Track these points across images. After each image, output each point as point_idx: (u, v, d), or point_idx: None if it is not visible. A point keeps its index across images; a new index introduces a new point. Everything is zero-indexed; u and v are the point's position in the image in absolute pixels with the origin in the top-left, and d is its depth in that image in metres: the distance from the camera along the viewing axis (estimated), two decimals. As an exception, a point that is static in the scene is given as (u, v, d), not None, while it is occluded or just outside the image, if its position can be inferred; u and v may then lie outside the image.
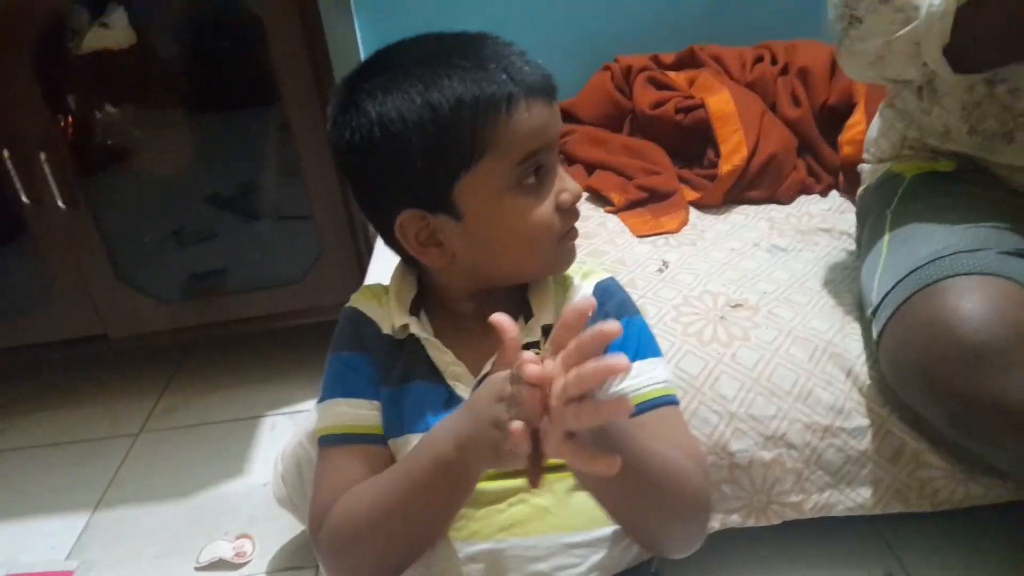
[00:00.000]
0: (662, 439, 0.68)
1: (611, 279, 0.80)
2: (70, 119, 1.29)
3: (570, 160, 1.47)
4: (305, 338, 1.56)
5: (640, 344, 0.75)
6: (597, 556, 0.70)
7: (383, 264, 1.21)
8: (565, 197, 0.70)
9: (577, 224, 0.74)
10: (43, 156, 1.25)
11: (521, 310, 0.74)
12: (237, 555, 1.09)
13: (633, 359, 0.71)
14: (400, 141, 0.66)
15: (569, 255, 0.75)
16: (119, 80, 1.30)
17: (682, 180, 1.39)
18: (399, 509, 0.66)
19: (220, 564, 1.09)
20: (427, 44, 0.70)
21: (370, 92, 0.67)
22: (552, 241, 0.71)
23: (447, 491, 0.64)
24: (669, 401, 0.73)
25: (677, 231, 1.27)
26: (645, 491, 0.64)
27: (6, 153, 1.25)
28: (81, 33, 1.27)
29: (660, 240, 1.24)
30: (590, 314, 0.54)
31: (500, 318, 0.57)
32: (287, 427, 1.37)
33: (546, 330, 0.73)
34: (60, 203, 1.28)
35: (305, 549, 1.09)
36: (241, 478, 1.27)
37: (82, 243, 1.34)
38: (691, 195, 1.36)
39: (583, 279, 0.79)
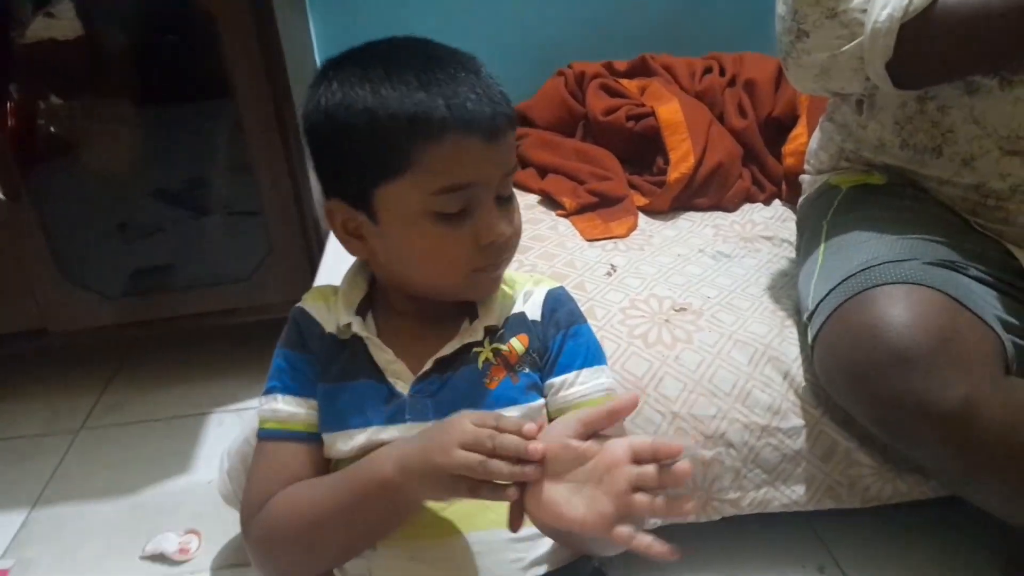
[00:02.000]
0: None
1: (561, 288, 0.82)
2: (12, 108, 1.26)
3: (523, 163, 1.49)
4: (253, 335, 1.54)
5: (588, 352, 0.78)
6: (539, 551, 0.72)
7: (333, 263, 1.21)
8: (486, 238, 0.69)
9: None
10: (-16, 146, 1.22)
11: (467, 311, 0.76)
12: (181, 551, 1.08)
13: (580, 367, 0.76)
14: (338, 135, 0.68)
15: (484, 286, 0.75)
16: (65, 71, 1.27)
17: (632, 186, 1.43)
18: (335, 518, 0.68)
19: (162, 559, 1.07)
20: (399, 51, 0.71)
21: (334, 80, 0.69)
22: (462, 272, 0.72)
23: (384, 511, 0.66)
24: None
25: (626, 236, 1.30)
26: None
27: (-55, 143, 1.22)
28: (25, 23, 1.24)
29: (609, 244, 1.27)
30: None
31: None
32: (233, 424, 1.36)
33: (489, 330, 0.75)
34: (1, 195, 1.25)
35: (251, 547, 1.08)
36: (186, 475, 1.25)
37: (24, 236, 1.30)
38: (640, 201, 1.39)
39: (535, 285, 0.81)
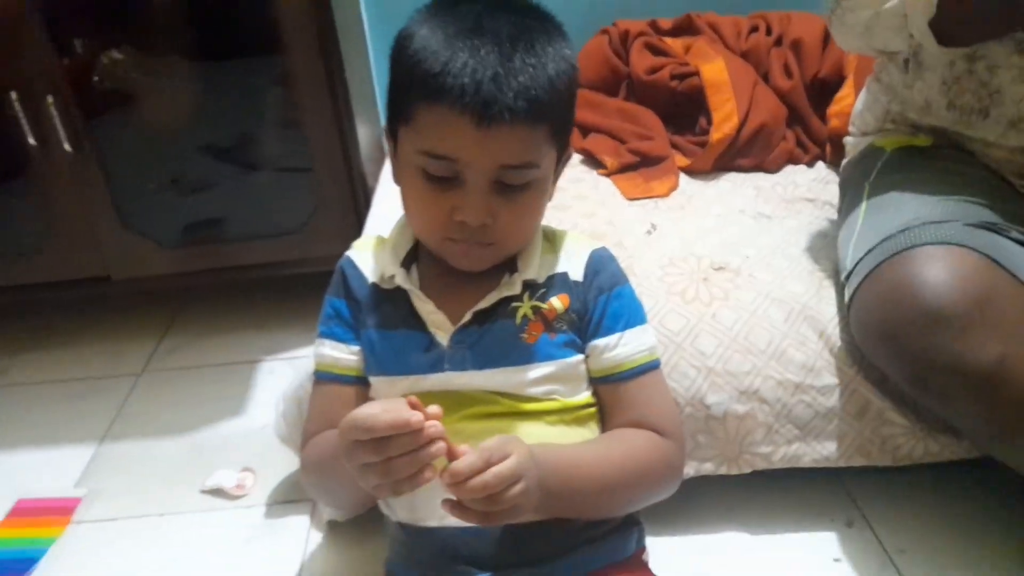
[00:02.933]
0: (648, 403, 0.79)
1: (604, 249, 0.83)
2: (77, 62, 1.31)
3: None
4: (302, 287, 1.59)
5: (630, 313, 0.80)
6: None
7: (381, 217, 1.25)
8: (457, 215, 0.70)
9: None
10: (50, 99, 1.28)
11: (507, 265, 0.78)
12: (237, 487, 1.15)
13: (624, 328, 0.79)
14: (391, 61, 0.72)
15: (456, 257, 0.75)
16: (124, 26, 1.32)
17: (674, 146, 1.43)
18: (325, 470, 0.78)
19: (221, 493, 1.15)
20: (483, 4, 0.70)
21: (424, 11, 0.71)
22: (435, 234, 0.74)
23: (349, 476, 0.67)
24: (653, 366, 0.80)
25: (666, 195, 1.32)
26: (608, 503, 0.77)
27: (14, 95, 1.27)
28: (88, -22, 1.29)
29: (650, 203, 1.29)
30: None
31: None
32: (284, 372, 1.42)
33: (527, 284, 0.77)
34: (66, 146, 1.31)
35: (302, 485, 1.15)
36: (240, 419, 1.32)
37: (87, 186, 1.37)
38: (682, 161, 1.40)
39: (577, 245, 0.82)
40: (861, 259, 0.90)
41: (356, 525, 1.04)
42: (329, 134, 1.36)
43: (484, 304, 0.76)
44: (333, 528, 1.06)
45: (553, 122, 0.70)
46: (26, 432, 1.33)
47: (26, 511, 1.15)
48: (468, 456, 0.62)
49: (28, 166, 1.34)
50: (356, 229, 1.38)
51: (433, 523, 0.76)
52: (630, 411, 0.79)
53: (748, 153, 1.40)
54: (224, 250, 1.48)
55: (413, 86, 0.68)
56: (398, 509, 0.79)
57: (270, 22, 1.29)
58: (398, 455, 0.61)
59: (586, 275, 0.79)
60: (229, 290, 1.65)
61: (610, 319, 0.78)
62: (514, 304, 0.77)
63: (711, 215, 1.24)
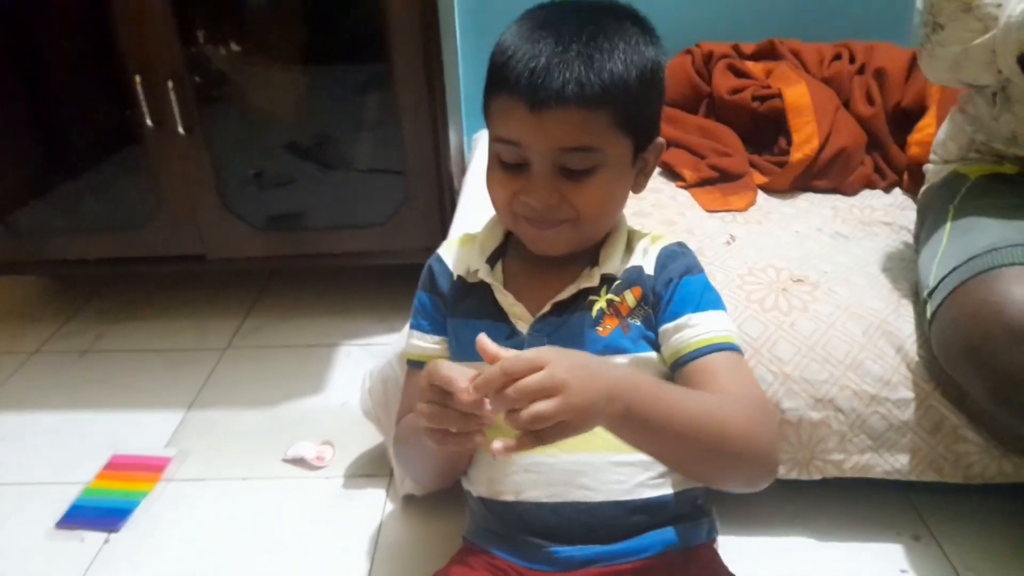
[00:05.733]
0: (728, 381, 0.74)
1: (679, 243, 0.85)
2: (197, 52, 1.41)
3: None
4: (383, 277, 1.68)
5: (702, 298, 0.79)
6: (640, 477, 0.78)
7: (466, 215, 1.30)
8: (520, 198, 0.75)
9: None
10: (170, 84, 1.37)
11: (589, 259, 0.81)
12: (317, 458, 1.20)
13: (693, 311, 0.79)
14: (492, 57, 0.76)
15: (533, 241, 0.79)
16: (243, 22, 1.41)
17: (752, 165, 1.47)
18: (411, 445, 0.82)
19: (302, 463, 1.21)
20: (559, 9, 0.76)
21: (516, 20, 0.77)
22: (511, 217, 0.79)
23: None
24: (730, 348, 0.77)
25: (744, 210, 1.35)
26: (686, 452, 0.69)
27: (138, 79, 1.37)
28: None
29: (728, 216, 1.32)
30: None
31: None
32: (361, 356, 1.49)
33: (605, 279, 0.80)
34: (180, 129, 1.40)
35: (380, 459, 1.20)
36: (320, 396, 1.38)
37: (194, 168, 1.45)
38: (760, 179, 1.44)
39: (652, 242, 0.84)
40: (945, 277, 0.93)
41: (432, 500, 1.09)
42: (423, 136, 1.43)
43: (563, 296, 0.79)
44: (409, 502, 1.11)
45: (616, 110, 0.72)
46: (119, 395, 1.41)
47: (121, 466, 1.23)
48: (488, 370, 0.60)
49: (143, 146, 1.44)
50: (439, 227, 1.45)
51: (510, 497, 0.80)
52: (707, 389, 0.74)
53: (826, 175, 1.43)
54: (312, 237, 1.55)
55: (489, 80, 0.76)
56: (477, 483, 0.83)
57: (378, 29, 1.36)
58: (451, 412, 0.62)
59: (656, 268, 0.81)
60: (312, 276, 1.73)
61: (678, 303, 0.79)
62: (591, 297, 0.80)
63: (789, 231, 1.27)
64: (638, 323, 0.79)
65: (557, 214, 0.75)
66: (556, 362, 0.59)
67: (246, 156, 1.57)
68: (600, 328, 0.78)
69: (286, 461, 1.22)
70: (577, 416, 0.59)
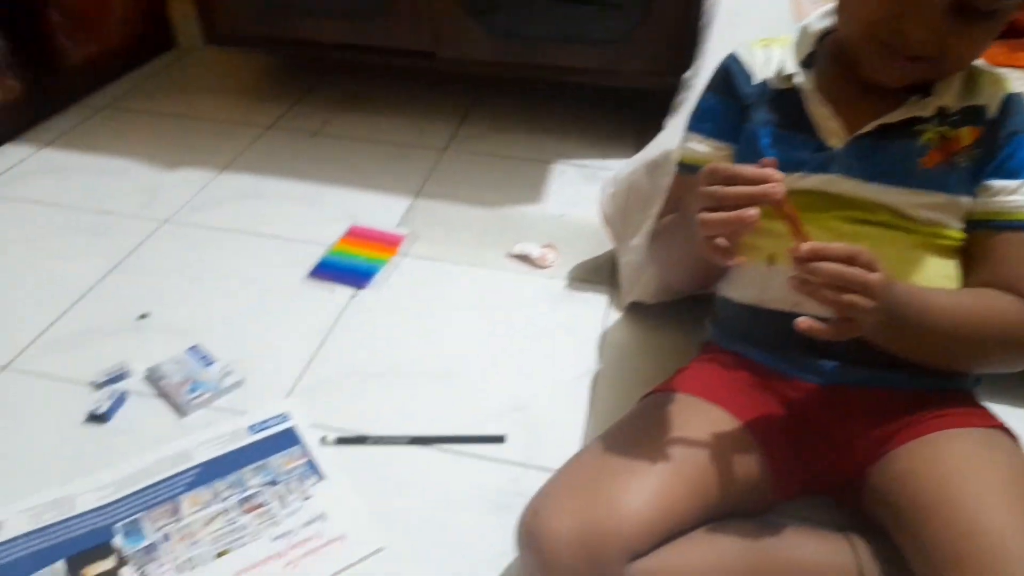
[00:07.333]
0: (1019, 264, 0.72)
1: None
2: None
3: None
4: (596, 103, 1.66)
5: None
6: None
7: (724, 35, 1.23)
8: (901, 22, 0.67)
9: None
10: None
11: (918, 88, 0.75)
12: (542, 257, 1.25)
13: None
14: None
15: (879, 68, 0.72)
16: None
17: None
18: (667, 241, 0.83)
19: (526, 260, 1.25)
20: None
21: None
22: (869, 35, 0.70)
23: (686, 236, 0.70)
24: None
25: (1030, 70, 1.22)
26: (955, 356, 0.74)
27: None
28: None
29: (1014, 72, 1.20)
30: None
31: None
32: (575, 177, 1.49)
33: (941, 111, 0.74)
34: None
35: (604, 268, 1.23)
36: (539, 204, 1.41)
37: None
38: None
39: (997, 81, 0.77)
40: None
41: (658, 308, 1.11)
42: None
43: (891, 119, 0.74)
44: (634, 309, 1.14)
45: None
46: (351, 174, 1.49)
47: (360, 235, 1.31)
48: (839, 243, 0.61)
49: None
50: (679, 49, 1.38)
51: (784, 307, 0.78)
52: (1000, 268, 0.73)
53: None
54: (543, 47, 1.52)
55: None
56: (745, 290, 0.82)
57: None
58: (733, 200, 0.62)
59: (1001, 113, 0.74)
60: (526, 92, 1.72)
61: (1016, 163, 0.73)
62: (920, 127, 0.75)
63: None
64: (965, 163, 0.74)
65: (927, 51, 0.69)
66: (889, 275, 0.63)
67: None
68: (925, 159, 0.74)
69: (511, 256, 1.26)
70: (873, 325, 0.64)
